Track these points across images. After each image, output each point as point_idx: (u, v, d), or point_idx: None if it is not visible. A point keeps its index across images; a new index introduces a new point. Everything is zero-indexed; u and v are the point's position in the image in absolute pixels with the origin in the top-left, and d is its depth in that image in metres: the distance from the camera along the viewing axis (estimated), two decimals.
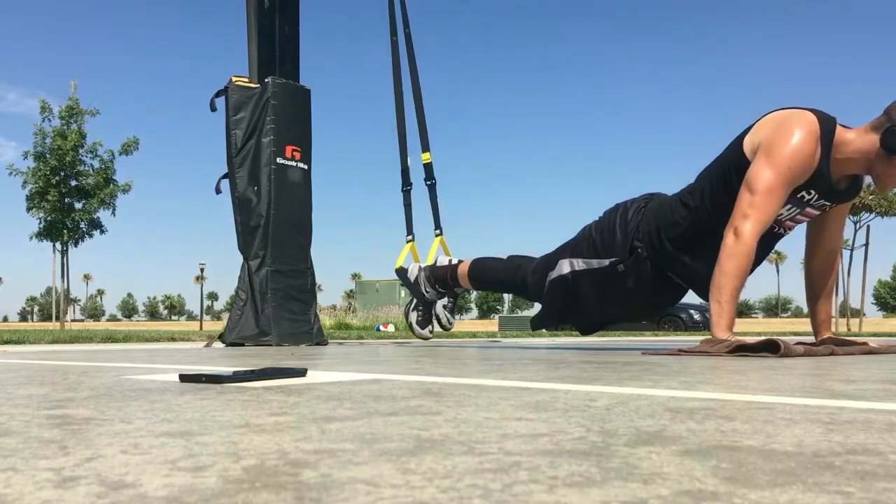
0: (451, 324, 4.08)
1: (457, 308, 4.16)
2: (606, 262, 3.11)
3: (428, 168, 4.51)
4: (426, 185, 4.51)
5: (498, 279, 3.72)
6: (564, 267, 3.25)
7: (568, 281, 3.24)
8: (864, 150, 2.66)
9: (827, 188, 2.78)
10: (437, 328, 4.11)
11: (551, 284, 3.30)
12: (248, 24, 4.74)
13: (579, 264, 3.20)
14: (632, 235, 3.04)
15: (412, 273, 4.00)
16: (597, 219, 3.28)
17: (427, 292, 3.94)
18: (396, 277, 4.27)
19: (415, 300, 4.04)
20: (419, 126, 4.57)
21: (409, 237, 4.34)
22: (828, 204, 2.87)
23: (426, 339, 4.17)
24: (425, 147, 4.54)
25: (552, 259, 3.35)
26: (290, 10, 4.85)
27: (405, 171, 4.54)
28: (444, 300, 3.99)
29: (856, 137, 2.69)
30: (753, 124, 2.82)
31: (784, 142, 2.64)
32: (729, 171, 2.83)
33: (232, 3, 5.17)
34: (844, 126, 2.77)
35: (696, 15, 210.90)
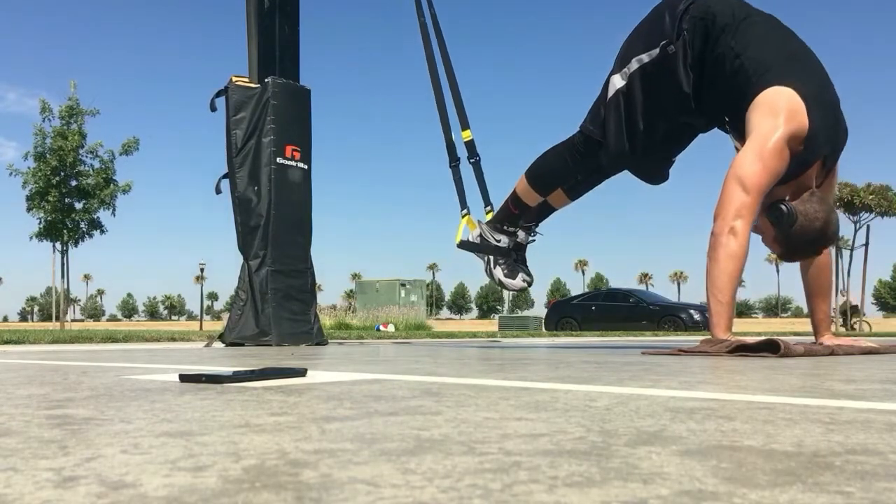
0: (530, 275, 3.86)
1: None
2: (656, 49, 3.07)
3: (470, 145, 4.35)
4: (470, 162, 4.31)
5: (557, 160, 3.51)
6: (617, 81, 3.21)
7: (623, 92, 3.19)
8: (786, 191, 2.84)
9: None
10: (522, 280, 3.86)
11: (609, 107, 3.23)
12: (248, 24, 4.74)
13: (632, 66, 3.15)
14: (679, 18, 3.02)
15: (474, 236, 3.85)
16: (634, 28, 3.27)
17: (498, 240, 3.76)
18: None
19: (491, 259, 3.84)
20: (456, 104, 4.41)
21: (464, 210, 4.15)
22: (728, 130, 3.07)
23: (522, 289, 3.91)
24: (465, 124, 4.41)
25: (602, 91, 3.30)
26: (290, 10, 4.85)
27: (451, 146, 4.37)
28: (514, 253, 3.79)
29: (792, 188, 2.83)
30: (772, 82, 2.77)
31: (776, 143, 2.66)
32: (737, 81, 2.86)
33: (232, 3, 5.17)
34: (839, 151, 2.92)
35: None
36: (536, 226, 3.81)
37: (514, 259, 3.77)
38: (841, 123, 2.90)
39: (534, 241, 3.86)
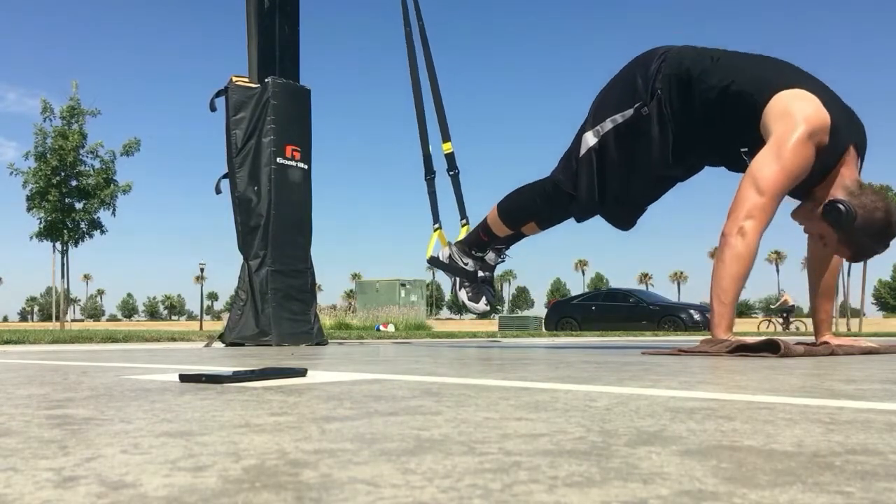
0: (495, 297, 3.94)
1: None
2: (630, 110, 3.07)
3: (450, 158, 4.40)
4: (449, 175, 4.38)
5: (528, 200, 3.56)
6: (590, 139, 3.20)
7: (595, 150, 3.18)
8: (828, 193, 2.74)
9: (799, 190, 2.81)
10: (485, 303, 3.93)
11: (581, 163, 3.23)
12: (248, 24, 4.74)
13: (605, 126, 3.15)
14: (653, 78, 3.02)
15: (444, 255, 3.90)
16: (605, 86, 3.25)
17: (466, 263, 3.81)
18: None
19: (457, 280, 3.91)
20: (438, 116, 4.46)
21: (436, 225, 4.24)
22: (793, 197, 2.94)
23: (484, 312, 4.01)
24: (446, 137, 4.44)
25: (574, 144, 3.29)
26: (290, 10, 4.85)
27: (427, 159, 4.44)
28: (481, 274, 3.84)
29: (840, 183, 2.73)
30: (780, 87, 2.74)
31: (793, 144, 2.62)
32: (741, 109, 2.81)
33: (232, 3, 5.17)
34: (863, 149, 2.83)
35: (694, 13, 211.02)
36: (507, 248, 3.87)
37: (483, 280, 3.85)
38: (858, 120, 2.87)
39: (502, 261, 3.96)
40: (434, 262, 3.97)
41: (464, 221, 4.19)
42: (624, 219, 3.50)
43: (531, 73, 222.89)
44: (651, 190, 3.39)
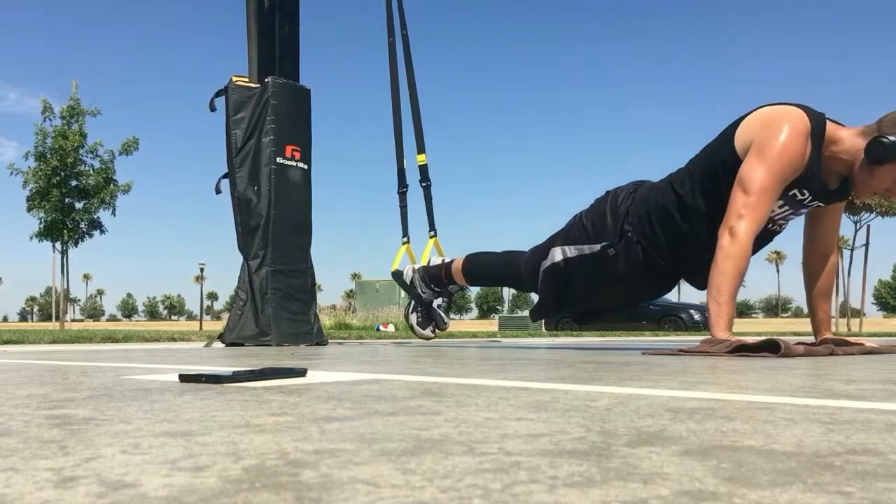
0: (445, 324, 4.10)
1: (455, 307, 4.18)
2: (598, 246, 3.12)
3: (423, 169, 4.54)
4: (421, 186, 4.53)
5: (492, 273, 3.72)
6: (557, 255, 3.27)
7: (560, 268, 3.25)
8: (852, 153, 2.70)
9: (819, 188, 2.80)
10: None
11: (545, 273, 3.32)
12: (248, 24, 4.73)
13: (571, 251, 3.21)
14: (622, 219, 3.06)
15: (407, 275, 4.03)
16: (587, 207, 3.29)
17: (423, 293, 3.97)
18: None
19: (412, 303, 4.07)
20: (415, 128, 4.59)
21: (405, 239, 4.37)
22: (821, 204, 2.91)
23: (429, 339, 4.20)
24: (421, 149, 4.56)
25: (545, 248, 3.36)
26: (290, 10, 4.85)
27: (401, 173, 4.56)
28: (439, 300, 4.00)
29: (847, 137, 2.72)
30: (743, 118, 2.81)
31: (775, 140, 2.65)
32: (719, 168, 2.83)
33: (232, 3, 5.17)
34: (836, 123, 2.80)
35: (691, 13, 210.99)
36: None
37: (439, 304, 4.00)
38: None
39: (463, 293, 4.14)
40: (397, 278, 4.12)
41: (432, 233, 4.35)
42: (585, 320, 3.80)
43: (512, 91, 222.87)
44: (616, 306, 3.58)
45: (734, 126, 2.83)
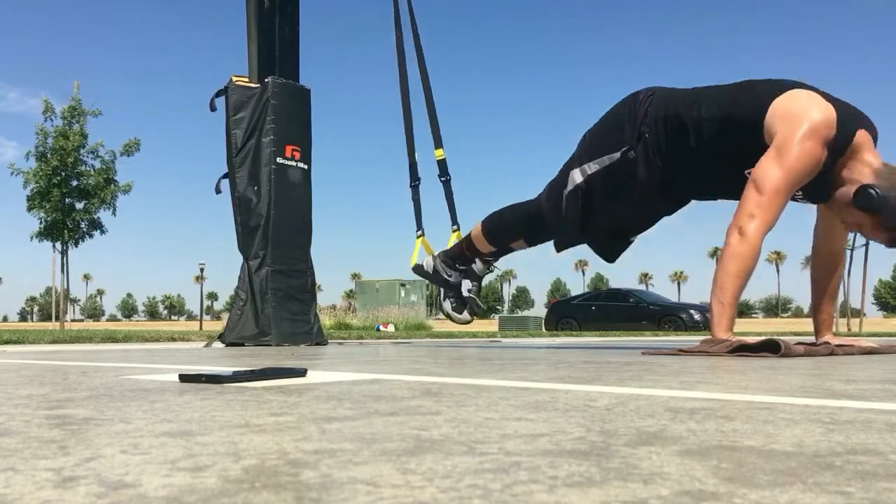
0: (480, 307, 3.96)
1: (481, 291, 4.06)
2: (617, 154, 3.06)
3: (442, 164, 4.40)
4: (441, 181, 4.40)
5: (513, 221, 3.59)
6: (577, 177, 3.21)
7: (582, 189, 3.19)
8: (853, 178, 2.68)
9: (814, 191, 2.79)
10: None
11: (568, 199, 3.24)
12: (248, 24, 4.74)
13: (591, 167, 3.15)
14: (640, 122, 3.01)
15: (428, 265, 3.92)
16: (594, 125, 3.26)
17: (449, 276, 3.84)
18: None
19: (442, 290, 3.95)
20: (430, 122, 4.46)
21: (419, 232, 4.25)
22: (807, 202, 2.92)
23: (468, 322, 4.04)
24: (438, 143, 4.44)
25: (561, 177, 3.29)
26: (290, 10, 4.85)
27: (413, 167, 4.46)
28: (469, 284, 3.87)
29: (865, 162, 2.66)
30: (780, 89, 2.73)
31: (796, 143, 2.59)
32: (744, 125, 2.77)
33: (232, 3, 5.17)
34: (872, 134, 2.74)
35: (692, 11, 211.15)
36: (496, 260, 3.88)
37: (469, 289, 3.87)
38: (865, 114, 2.81)
39: (491, 272, 3.97)
40: (418, 271, 4.02)
41: (455, 227, 4.22)
42: (608, 250, 3.54)
43: (524, 84, 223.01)
44: (635, 227, 3.45)
45: (769, 91, 2.74)
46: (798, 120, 2.63)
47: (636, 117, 3.03)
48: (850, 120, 2.67)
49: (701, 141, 2.89)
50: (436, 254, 3.93)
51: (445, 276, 3.85)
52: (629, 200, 3.16)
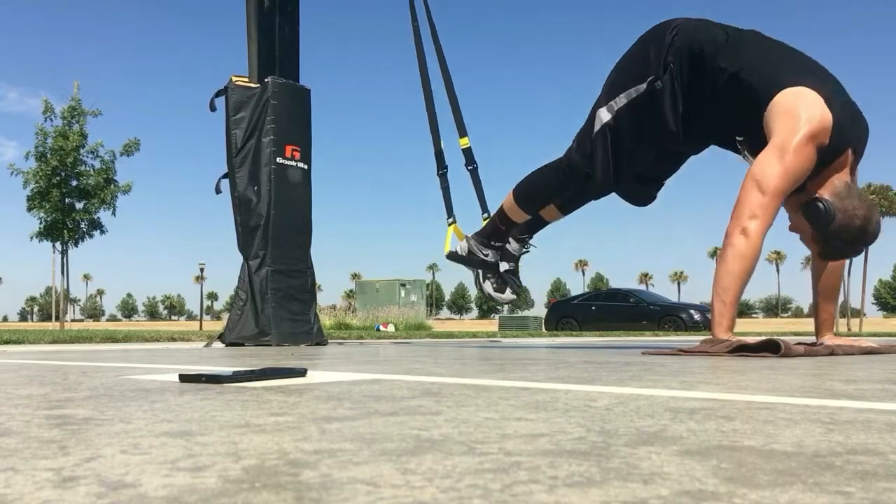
0: (520, 286, 3.85)
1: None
2: (643, 85, 3.05)
3: (467, 153, 4.30)
4: (467, 170, 4.31)
5: (543, 181, 3.49)
6: (604, 115, 3.18)
7: (611, 126, 3.16)
8: (816, 187, 2.76)
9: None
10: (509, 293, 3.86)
11: (596, 140, 3.20)
12: (248, 24, 4.74)
13: (619, 101, 3.13)
14: (665, 51, 3.00)
15: (462, 248, 3.82)
16: (618, 61, 3.24)
17: (486, 254, 3.75)
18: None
19: (480, 272, 3.85)
20: (453, 110, 4.39)
21: (451, 219, 4.13)
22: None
23: (511, 301, 3.93)
24: (462, 132, 4.38)
25: (589, 120, 3.26)
26: (290, 10, 4.85)
27: (439, 155, 4.36)
28: (505, 265, 3.78)
29: (829, 182, 2.74)
30: (787, 82, 2.73)
31: (796, 145, 2.62)
32: (752, 97, 2.79)
33: (232, 3, 5.17)
34: (862, 147, 2.82)
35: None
36: (530, 237, 3.80)
37: (507, 270, 3.76)
38: (862, 120, 2.87)
39: (527, 251, 3.85)
40: (453, 258, 3.88)
41: (486, 216, 4.03)
42: (641, 195, 3.47)
43: (544, 63, 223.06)
44: (665, 164, 3.38)
45: (781, 75, 2.76)
46: (799, 121, 2.64)
47: (663, 46, 3.01)
48: (843, 135, 2.71)
49: (711, 84, 2.92)
50: (469, 235, 3.83)
51: (482, 256, 3.75)
52: (657, 136, 3.13)
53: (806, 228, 2.80)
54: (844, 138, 2.71)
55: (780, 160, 2.63)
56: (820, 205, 2.69)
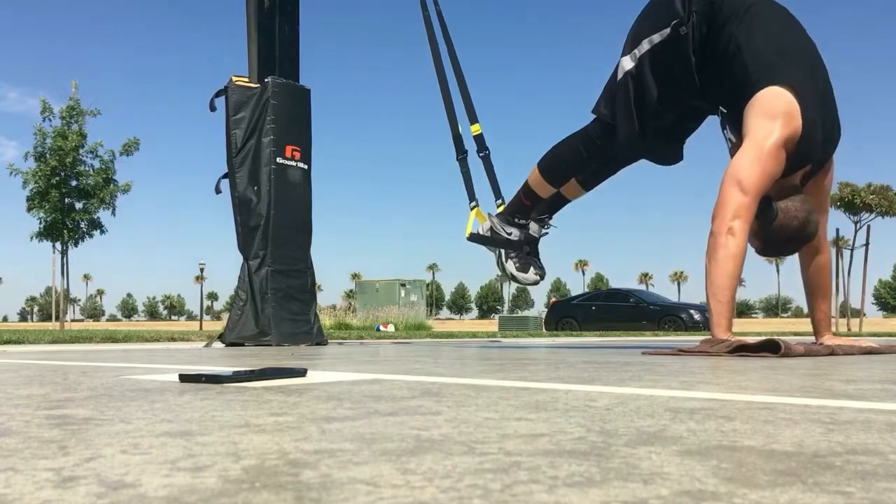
0: (542, 268, 3.80)
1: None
2: (668, 29, 3.05)
3: (479, 139, 4.29)
4: (479, 157, 4.26)
5: (568, 150, 3.47)
6: (626, 63, 3.19)
7: (632, 75, 3.17)
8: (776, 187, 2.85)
9: None
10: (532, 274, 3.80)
11: (619, 89, 3.20)
12: (248, 24, 4.74)
13: (643, 47, 3.13)
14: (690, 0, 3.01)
15: (485, 228, 3.80)
16: (641, 11, 3.25)
17: (509, 233, 3.72)
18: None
19: (502, 252, 3.80)
20: (463, 98, 4.37)
21: (473, 203, 4.08)
22: None
23: (534, 282, 3.85)
24: (473, 118, 4.37)
25: (614, 73, 3.27)
26: (290, 10, 4.85)
27: (457, 139, 4.33)
28: (527, 247, 3.73)
29: (777, 184, 2.81)
30: (774, 78, 2.78)
31: (772, 147, 2.70)
32: (737, 75, 2.87)
33: (232, 3, 5.17)
34: (827, 158, 2.97)
35: None
36: (550, 218, 3.75)
37: (528, 252, 3.71)
38: (834, 119, 2.94)
39: (547, 233, 3.80)
40: (476, 238, 3.84)
41: (499, 202, 3.98)
42: (668, 153, 3.47)
43: (556, 51, 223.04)
44: (688, 116, 3.37)
45: (771, 68, 2.81)
46: (776, 124, 2.72)
47: None
48: (806, 149, 2.80)
49: (719, 46, 2.95)
50: (492, 214, 3.80)
51: (506, 235, 3.71)
52: (678, 83, 3.12)
53: (753, 224, 2.86)
54: (808, 153, 2.81)
55: (758, 161, 2.70)
56: (772, 203, 2.80)
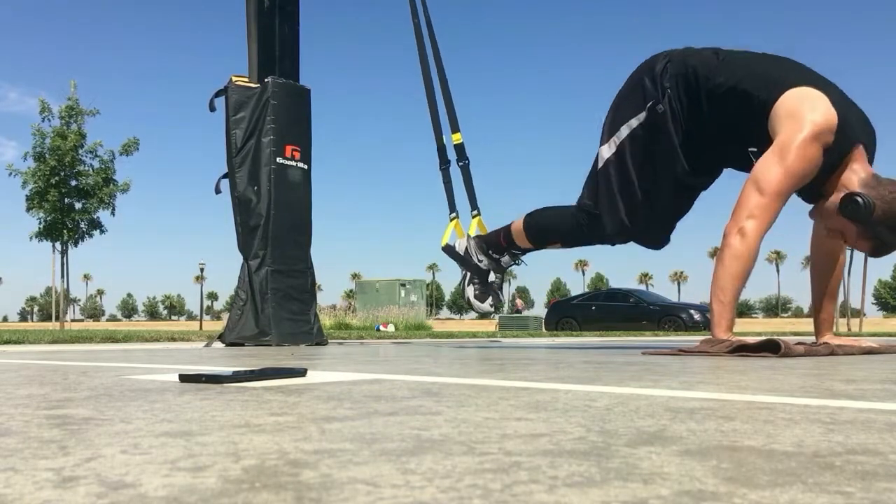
0: (501, 302, 3.88)
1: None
2: (643, 112, 3.03)
3: (459, 148, 4.33)
4: (459, 166, 4.30)
5: (562, 226, 3.48)
6: (605, 152, 3.16)
7: (613, 163, 3.13)
8: (842, 186, 2.69)
9: (805, 194, 2.81)
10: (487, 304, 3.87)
11: (601, 177, 3.17)
12: (248, 24, 4.74)
13: (622, 133, 3.10)
14: (660, 77, 3.00)
15: (461, 246, 3.84)
16: (613, 100, 3.23)
17: (480, 261, 3.76)
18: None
19: (469, 274, 3.85)
20: (447, 107, 4.42)
21: (453, 214, 4.15)
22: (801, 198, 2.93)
23: (487, 312, 3.96)
24: (455, 128, 4.41)
25: (594, 163, 3.24)
26: (290, 10, 4.85)
27: (441, 150, 4.38)
28: (493, 276, 3.79)
29: (856, 171, 2.67)
30: (788, 84, 2.72)
31: (798, 145, 2.60)
32: (751, 107, 2.78)
33: (232, 3, 5.17)
34: (872, 150, 2.78)
35: (699, 11, 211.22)
36: (523, 254, 3.79)
37: (492, 280, 3.79)
38: (870, 126, 2.83)
39: (517, 265, 3.88)
40: (449, 252, 3.91)
41: (475, 213, 4.08)
42: (653, 237, 3.40)
43: (545, 68, 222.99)
44: (675, 200, 3.28)
45: (783, 78, 2.75)
46: (802, 122, 2.62)
47: (656, 74, 3.01)
48: (850, 132, 2.67)
49: (711, 103, 2.91)
50: (471, 236, 3.85)
51: (476, 261, 3.76)
52: (662, 164, 3.07)
53: (849, 228, 2.70)
54: (850, 135, 2.67)
55: (780, 161, 2.62)
56: (857, 198, 2.61)
